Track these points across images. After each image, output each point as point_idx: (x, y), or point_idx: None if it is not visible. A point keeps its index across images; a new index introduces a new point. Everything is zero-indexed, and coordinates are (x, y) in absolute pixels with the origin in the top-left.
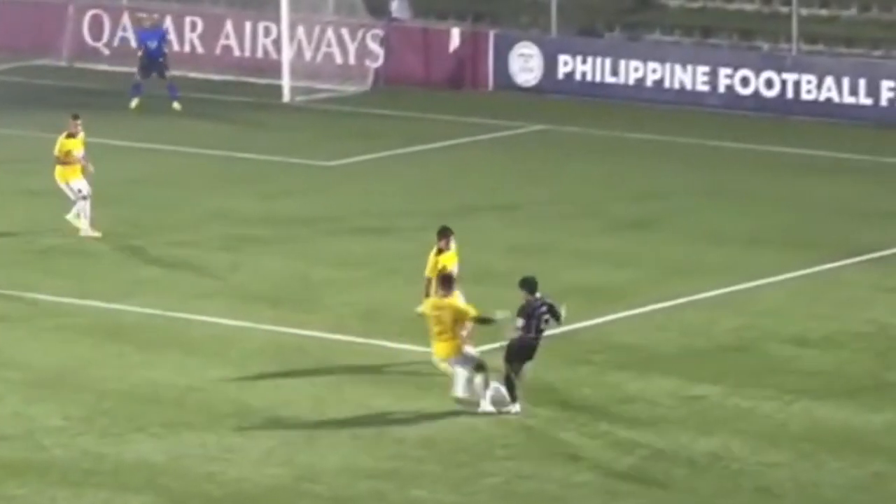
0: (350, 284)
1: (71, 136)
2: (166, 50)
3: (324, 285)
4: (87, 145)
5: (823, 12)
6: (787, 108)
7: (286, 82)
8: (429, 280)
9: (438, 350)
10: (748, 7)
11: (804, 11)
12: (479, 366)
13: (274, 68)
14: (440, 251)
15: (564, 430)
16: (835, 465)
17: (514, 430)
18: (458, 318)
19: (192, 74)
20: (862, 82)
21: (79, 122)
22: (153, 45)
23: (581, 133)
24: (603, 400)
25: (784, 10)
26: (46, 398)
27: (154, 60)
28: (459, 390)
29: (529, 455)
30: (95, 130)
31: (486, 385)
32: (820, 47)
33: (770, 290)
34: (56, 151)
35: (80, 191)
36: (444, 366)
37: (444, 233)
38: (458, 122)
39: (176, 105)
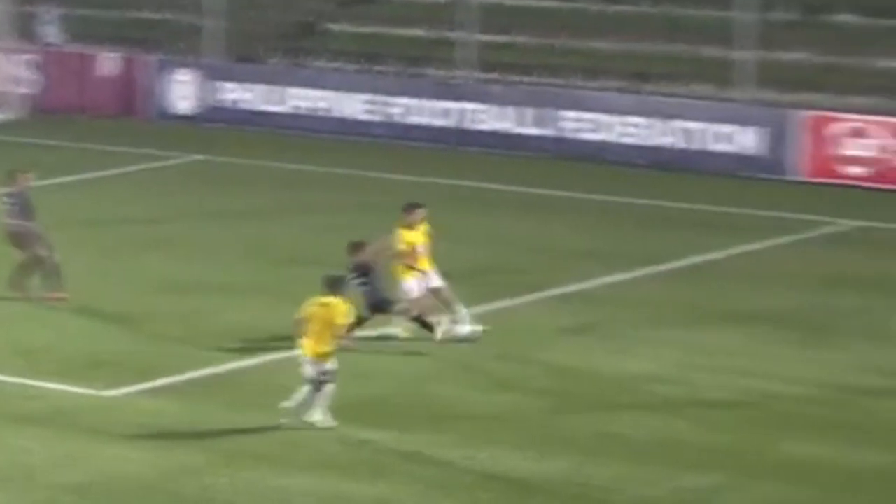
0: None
1: None
2: None
3: None
4: None
5: (498, 38)
6: (459, 139)
7: None
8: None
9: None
10: (417, 33)
11: (479, 37)
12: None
13: None
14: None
15: (220, 476)
16: None
17: (175, 475)
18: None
19: None
20: (539, 112)
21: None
22: None
23: (241, 163)
24: (265, 445)
25: (457, 35)
26: None
27: None
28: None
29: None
30: None
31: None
32: (495, 75)
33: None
34: None
35: None
36: None
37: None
38: (114, 151)
39: None
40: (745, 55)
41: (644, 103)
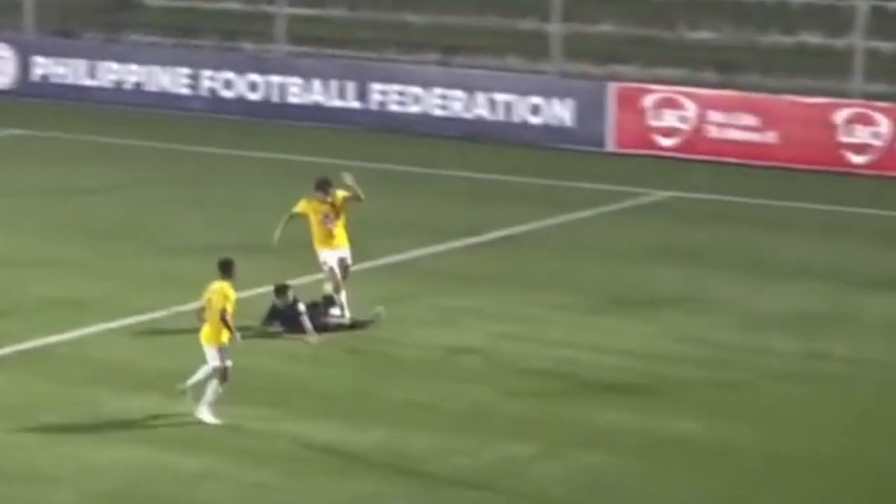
0: None
1: None
2: None
3: None
4: None
5: (311, 12)
6: (272, 112)
7: None
8: None
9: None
10: (233, 6)
11: (290, 11)
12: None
13: None
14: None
15: (40, 450)
16: (324, 484)
17: None
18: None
19: None
20: (351, 85)
21: None
22: None
23: (59, 138)
24: (85, 419)
25: (270, 9)
26: None
27: None
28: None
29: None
30: None
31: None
32: (307, 48)
33: (262, 301)
34: None
35: None
36: None
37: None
38: None
39: None
40: (556, 28)
41: (457, 76)
